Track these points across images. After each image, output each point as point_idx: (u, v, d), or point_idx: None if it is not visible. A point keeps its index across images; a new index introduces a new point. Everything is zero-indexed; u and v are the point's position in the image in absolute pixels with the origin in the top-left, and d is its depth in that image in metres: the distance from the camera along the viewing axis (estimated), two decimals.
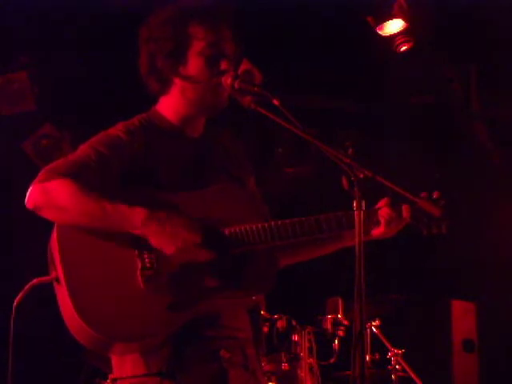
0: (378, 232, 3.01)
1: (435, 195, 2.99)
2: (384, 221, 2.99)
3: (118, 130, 2.99)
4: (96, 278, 2.81)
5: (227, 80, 2.95)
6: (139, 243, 2.82)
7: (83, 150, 2.93)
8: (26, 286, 2.92)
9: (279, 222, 2.93)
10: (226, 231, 2.89)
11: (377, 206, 3.01)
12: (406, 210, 2.99)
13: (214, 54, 3.01)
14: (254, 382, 2.96)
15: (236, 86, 2.93)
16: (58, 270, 2.81)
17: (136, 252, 2.83)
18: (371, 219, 2.98)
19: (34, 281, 2.91)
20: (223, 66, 3.00)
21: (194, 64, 3.01)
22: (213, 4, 3.07)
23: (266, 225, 2.91)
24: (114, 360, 2.96)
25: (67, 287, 2.78)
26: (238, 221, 2.91)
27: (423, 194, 2.99)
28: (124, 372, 2.90)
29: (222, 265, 2.84)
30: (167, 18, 3.05)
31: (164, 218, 2.78)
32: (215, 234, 2.85)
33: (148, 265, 2.81)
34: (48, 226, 2.89)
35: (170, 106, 3.09)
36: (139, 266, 2.81)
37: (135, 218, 2.77)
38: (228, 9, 3.08)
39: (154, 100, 3.15)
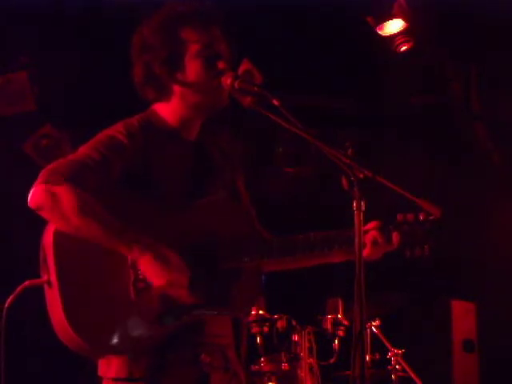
0: (363, 254, 2.89)
1: (421, 217, 2.95)
2: (370, 244, 2.95)
3: (118, 131, 2.97)
4: (89, 285, 2.81)
5: (227, 80, 2.95)
6: None
7: (85, 150, 2.92)
8: (18, 288, 2.90)
9: (268, 240, 2.99)
10: (217, 246, 2.90)
11: (365, 228, 2.90)
12: (395, 237, 2.94)
13: (211, 55, 3.00)
14: (235, 383, 3.00)
15: (236, 85, 2.92)
16: (51, 274, 2.81)
17: (129, 262, 2.83)
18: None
19: (26, 283, 2.89)
20: (221, 65, 2.99)
21: (192, 67, 3.00)
22: (200, 6, 3.06)
23: (256, 243, 2.94)
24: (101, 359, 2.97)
25: (59, 293, 2.78)
26: (229, 233, 2.93)
27: (409, 216, 2.95)
28: (109, 373, 2.91)
29: (209, 285, 2.87)
30: (158, 25, 3.03)
31: (159, 251, 2.78)
32: (204, 266, 2.87)
33: (141, 277, 2.82)
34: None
35: (169, 108, 3.08)
36: (132, 277, 2.83)
37: (134, 246, 2.78)
38: (216, 10, 3.07)
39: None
